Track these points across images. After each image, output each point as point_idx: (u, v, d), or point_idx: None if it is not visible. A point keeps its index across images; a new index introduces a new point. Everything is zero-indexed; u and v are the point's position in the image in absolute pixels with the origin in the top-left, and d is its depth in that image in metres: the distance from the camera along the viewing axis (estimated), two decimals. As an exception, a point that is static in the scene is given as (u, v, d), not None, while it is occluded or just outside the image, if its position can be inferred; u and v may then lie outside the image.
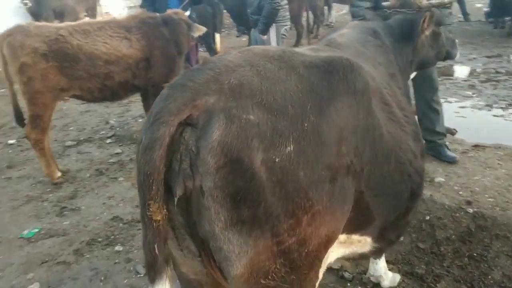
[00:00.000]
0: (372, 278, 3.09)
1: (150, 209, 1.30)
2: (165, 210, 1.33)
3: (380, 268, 3.03)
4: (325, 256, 1.57)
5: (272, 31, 5.68)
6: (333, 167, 1.46)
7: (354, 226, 1.77)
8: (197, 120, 1.30)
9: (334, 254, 1.80)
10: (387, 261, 3.35)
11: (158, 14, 5.57)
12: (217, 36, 8.30)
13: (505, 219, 3.49)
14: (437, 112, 4.56)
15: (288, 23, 5.98)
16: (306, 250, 1.43)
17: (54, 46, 4.56)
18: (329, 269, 3.28)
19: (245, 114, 1.31)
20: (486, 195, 3.86)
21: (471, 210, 3.62)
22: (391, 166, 1.83)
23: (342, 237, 1.75)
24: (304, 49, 1.92)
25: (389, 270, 3.17)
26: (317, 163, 1.40)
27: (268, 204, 1.32)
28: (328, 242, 1.53)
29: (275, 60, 1.55)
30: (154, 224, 1.32)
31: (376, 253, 2.21)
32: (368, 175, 1.69)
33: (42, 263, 3.45)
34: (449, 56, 3.34)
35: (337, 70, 1.60)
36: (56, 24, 5.04)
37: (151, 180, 1.27)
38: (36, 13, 11.16)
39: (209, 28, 6.74)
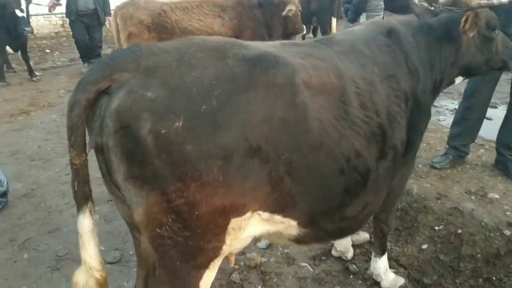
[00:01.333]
0: (372, 276, 3.13)
1: (71, 155, 1.69)
2: (83, 157, 1.71)
3: (379, 267, 3.05)
4: (230, 225, 1.77)
5: (363, 20, 5.62)
6: (228, 147, 1.62)
7: (276, 207, 1.91)
8: (111, 90, 1.62)
9: (257, 228, 1.97)
10: (399, 263, 3.34)
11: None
12: (334, 21, 8.32)
13: (543, 250, 3.15)
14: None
15: (381, 13, 5.82)
16: (197, 213, 1.66)
17: (156, 20, 5.26)
18: (338, 259, 3.39)
19: (143, 90, 1.55)
20: (537, 221, 3.49)
21: (508, 233, 3.31)
22: (319, 160, 1.91)
23: (265, 215, 1.91)
24: (259, 44, 2.08)
25: (397, 273, 3.17)
26: (207, 141, 1.58)
27: (156, 166, 1.55)
28: (225, 212, 1.72)
29: (209, 50, 1.74)
30: (74, 166, 1.70)
31: (312, 240, 2.30)
32: (288, 163, 1.81)
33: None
34: (505, 66, 3.03)
35: (260, 65, 1.75)
36: (159, 0, 5.73)
37: (70, 133, 1.65)
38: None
39: (327, 13, 6.83)
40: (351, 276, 3.23)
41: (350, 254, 3.39)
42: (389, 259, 3.35)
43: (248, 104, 1.68)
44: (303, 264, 3.37)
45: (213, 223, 1.72)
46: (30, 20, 9.39)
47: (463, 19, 2.71)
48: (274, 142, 1.75)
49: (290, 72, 1.83)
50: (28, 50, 9.49)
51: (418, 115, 2.56)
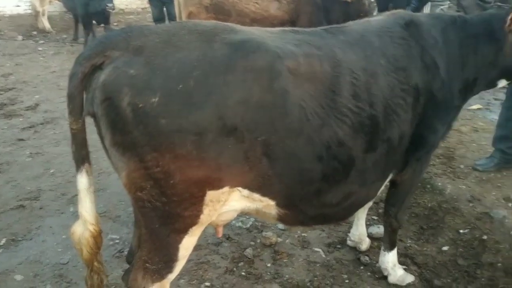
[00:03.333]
0: (381, 269, 3.12)
1: (69, 120, 1.92)
2: (80, 123, 1.92)
3: (387, 261, 3.03)
4: (207, 196, 1.90)
5: (426, 11, 5.35)
6: (201, 124, 1.75)
7: (255, 186, 2.01)
8: (104, 66, 1.76)
9: (239, 204, 2.08)
10: (414, 262, 3.28)
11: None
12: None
13: None
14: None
15: (447, 3, 5.50)
16: (172, 182, 1.82)
17: (215, 1, 5.44)
18: (353, 249, 3.40)
19: (126, 67, 1.71)
20: None
21: None
22: (298, 145, 1.97)
23: (245, 192, 2.03)
24: (253, 30, 2.12)
25: (409, 270, 3.12)
26: (181, 117, 1.72)
27: (134, 135, 1.73)
28: (199, 183, 1.86)
29: (197, 33, 1.87)
30: (72, 131, 1.95)
31: (295, 222, 2.35)
32: (265, 145, 1.91)
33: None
34: None
35: (242, 49, 1.85)
36: None
37: (69, 101, 1.88)
38: None
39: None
40: (361, 267, 3.25)
41: (364, 245, 3.39)
42: (405, 256, 3.33)
43: (225, 86, 1.79)
44: (317, 249, 3.43)
45: (188, 192, 1.87)
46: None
47: (510, 17, 2.57)
48: (250, 124, 1.85)
49: (271, 58, 1.90)
50: (115, 23, 10.24)
51: (433, 112, 2.50)
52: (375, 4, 6.48)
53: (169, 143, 1.76)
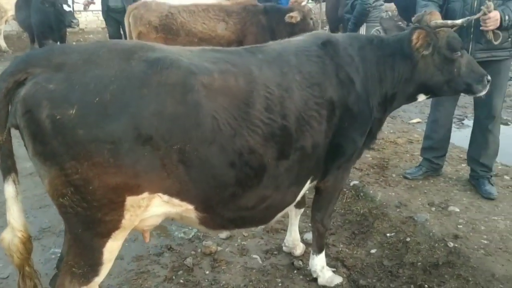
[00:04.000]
0: (311, 271, 3.31)
1: None
2: (5, 135, 2.04)
3: (316, 264, 3.23)
4: (127, 202, 2.05)
5: (363, 31, 5.72)
6: (116, 134, 1.90)
7: (173, 191, 2.18)
8: (26, 82, 1.94)
9: (160, 209, 2.23)
10: (344, 264, 3.49)
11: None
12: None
13: (477, 263, 3.17)
14: (486, 142, 4.15)
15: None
16: (91, 188, 1.96)
17: (164, 21, 5.66)
18: (288, 254, 3.59)
19: (46, 82, 1.86)
20: (485, 236, 3.47)
21: (451, 245, 3.34)
22: (211, 152, 2.16)
23: (165, 197, 2.18)
24: (171, 48, 2.33)
25: (337, 272, 3.33)
26: (97, 128, 1.88)
27: (54, 145, 1.87)
28: (118, 189, 2.00)
29: (117, 52, 2.05)
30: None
31: (215, 225, 2.53)
32: (181, 153, 2.08)
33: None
34: (469, 89, 3.05)
35: (156, 66, 2.03)
36: (170, 3, 6.11)
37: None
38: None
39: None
40: (295, 271, 3.44)
41: (299, 251, 3.59)
42: (336, 259, 3.55)
43: (139, 99, 1.98)
44: (255, 256, 3.61)
45: (107, 198, 2.03)
46: (80, 15, 10.22)
47: (414, 36, 2.85)
48: (165, 133, 2.03)
49: (183, 74, 2.10)
50: (74, 42, 10.25)
51: (350, 123, 2.75)
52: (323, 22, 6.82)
53: (86, 152, 1.91)
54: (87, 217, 2.06)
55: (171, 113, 2.05)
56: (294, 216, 3.51)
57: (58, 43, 9.83)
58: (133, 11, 5.78)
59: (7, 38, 12.39)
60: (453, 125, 7.02)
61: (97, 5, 9.67)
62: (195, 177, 2.18)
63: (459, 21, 3.07)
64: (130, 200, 2.09)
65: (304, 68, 2.60)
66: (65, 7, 8.90)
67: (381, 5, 5.84)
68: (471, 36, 3.84)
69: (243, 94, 2.30)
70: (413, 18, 3.27)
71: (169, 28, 5.64)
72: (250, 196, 2.41)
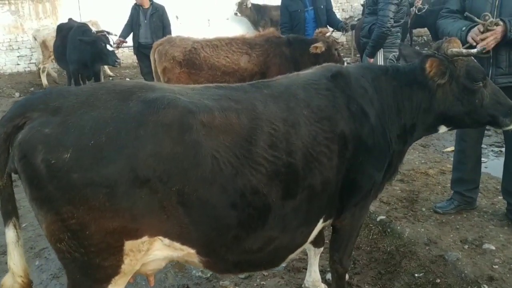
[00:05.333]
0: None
1: None
2: (5, 179, 2.03)
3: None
4: (126, 246, 1.99)
5: (380, 56, 5.59)
6: (112, 177, 1.86)
7: (174, 234, 2.10)
8: (25, 126, 1.91)
9: (162, 253, 2.16)
10: None
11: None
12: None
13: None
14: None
15: (397, 50, 5.74)
16: (87, 232, 1.91)
17: (187, 56, 5.73)
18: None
19: (41, 127, 1.85)
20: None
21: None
22: (211, 193, 2.07)
23: (166, 241, 2.11)
24: (172, 88, 2.28)
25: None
26: (92, 171, 1.84)
27: (49, 190, 1.85)
28: (116, 234, 1.95)
29: (115, 93, 2.03)
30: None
31: (221, 269, 2.40)
32: (180, 195, 2.00)
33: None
34: (495, 122, 2.85)
35: (153, 106, 1.99)
36: (194, 38, 6.19)
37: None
38: (254, 21, 13.00)
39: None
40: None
41: (319, 291, 3.40)
42: (362, 301, 3.33)
43: (136, 140, 1.93)
44: (274, 296, 3.44)
45: (105, 243, 1.97)
46: (117, 51, 10.70)
47: (427, 65, 2.72)
48: (163, 175, 1.97)
49: (180, 113, 2.05)
50: (111, 77, 10.62)
51: (365, 158, 2.61)
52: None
53: (82, 196, 1.88)
54: (85, 262, 2.00)
55: (169, 154, 1.99)
56: (313, 256, 3.35)
57: (93, 80, 10.24)
58: (158, 47, 5.90)
59: (50, 75, 12.91)
60: (491, 153, 6.78)
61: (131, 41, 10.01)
62: (195, 219, 2.10)
63: (474, 51, 2.90)
64: (129, 244, 2.03)
65: (312, 102, 2.51)
66: (108, 47, 9.29)
67: (397, 32, 5.69)
68: (491, 60, 3.62)
69: (246, 131, 2.22)
70: (433, 45, 3.13)
71: (193, 63, 5.71)
72: (255, 238, 2.29)
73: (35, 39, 12.51)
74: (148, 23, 8.83)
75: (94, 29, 11.82)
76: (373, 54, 5.62)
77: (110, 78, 13.26)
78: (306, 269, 3.63)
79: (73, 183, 1.86)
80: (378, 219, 4.26)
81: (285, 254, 2.55)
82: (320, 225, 2.63)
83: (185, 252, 2.20)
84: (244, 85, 2.54)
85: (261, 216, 2.25)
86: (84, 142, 1.88)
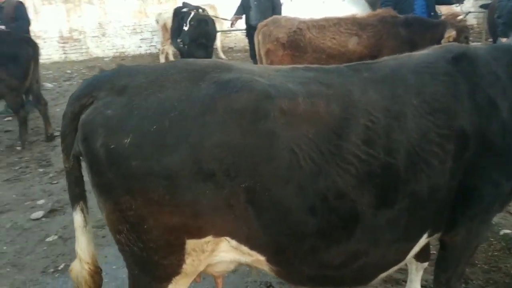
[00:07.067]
0: None
1: (63, 159, 1.93)
2: (72, 161, 1.92)
3: None
4: (188, 245, 1.77)
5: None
6: (173, 168, 1.64)
7: (242, 237, 1.82)
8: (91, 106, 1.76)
9: (229, 255, 1.90)
10: None
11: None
12: None
13: None
14: None
15: None
16: (145, 227, 1.71)
17: (291, 38, 5.40)
18: None
19: (104, 108, 1.69)
20: None
21: None
22: (287, 193, 1.75)
23: (233, 242, 1.85)
24: (252, 68, 2.00)
25: None
26: (152, 160, 1.64)
27: (108, 177, 1.69)
28: (175, 231, 1.74)
29: (188, 72, 1.80)
30: (65, 169, 1.96)
31: (295, 281, 2.04)
32: (250, 192, 1.73)
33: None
34: None
35: (225, 89, 1.73)
36: (300, 18, 5.78)
37: (61, 140, 1.91)
38: (372, 2, 12.31)
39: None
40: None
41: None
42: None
43: (202, 127, 1.67)
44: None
45: (163, 239, 1.77)
46: (230, 35, 10.81)
47: None
48: (231, 169, 1.70)
49: (255, 98, 1.74)
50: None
51: (490, 161, 2.09)
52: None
53: (140, 187, 1.68)
54: (144, 258, 1.82)
55: (238, 145, 1.70)
56: (414, 271, 2.86)
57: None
58: (263, 28, 5.67)
59: (167, 58, 13.52)
60: None
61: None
62: (266, 222, 1.79)
63: None
64: (191, 243, 1.80)
65: (425, 89, 2.04)
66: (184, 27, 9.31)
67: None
68: None
69: (336, 122, 1.84)
70: None
71: (297, 45, 5.37)
72: (337, 251, 1.92)
73: (157, 23, 13.17)
74: (258, 5, 8.68)
75: (212, 12, 12.11)
76: (506, 33, 4.73)
77: (222, 61, 13.46)
78: (405, 282, 3.15)
79: (132, 172, 1.67)
80: (501, 232, 3.57)
81: (375, 273, 2.12)
82: (423, 240, 2.16)
83: (254, 258, 1.92)
84: (340, 67, 2.14)
85: (346, 226, 1.87)
86: (145, 126, 1.67)
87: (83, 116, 1.76)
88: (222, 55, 13.90)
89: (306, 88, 1.88)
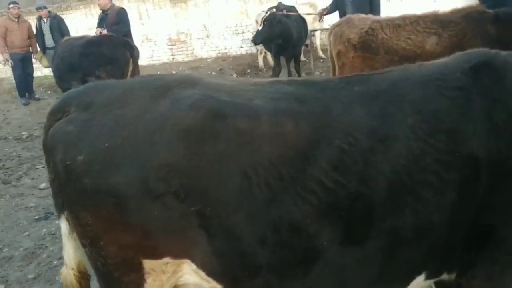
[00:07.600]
0: None
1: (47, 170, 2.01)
2: (54, 172, 1.95)
3: None
4: (145, 264, 1.73)
5: None
6: (121, 187, 1.62)
7: (199, 262, 1.73)
8: None
9: (192, 278, 1.79)
10: None
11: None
12: None
13: None
14: None
15: None
16: (102, 243, 1.70)
17: (363, 38, 5.06)
18: None
19: (66, 124, 1.73)
20: None
21: None
22: (237, 221, 1.62)
23: (193, 266, 1.75)
24: (218, 81, 1.88)
25: None
26: (100, 178, 1.63)
27: (68, 192, 1.73)
28: (130, 249, 1.70)
29: (153, 88, 1.77)
30: (49, 179, 2.00)
31: None
32: (201, 217, 1.63)
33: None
34: None
35: (176, 106, 1.67)
36: (375, 17, 5.33)
37: (43, 150, 1.93)
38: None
39: None
40: None
41: None
42: None
43: (150, 146, 1.62)
44: None
45: (120, 257, 1.76)
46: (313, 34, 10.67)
47: None
48: (179, 191, 1.63)
49: (203, 116, 1.63)
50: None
51: (510, 195, 1.72)
52: None
53: (93, 204, 1.70)
54: (106, 273, 1.84)
55: (184, 166, 1.61)
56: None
57: (293, 62, 10.28)
58: (335, 29, 5.39)
59: (266, 57, 13.62)
60: None
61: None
62: (219, 250, 1.68)
63: None
64: (147, 263, 1.76)
65: (427, 107, 1.74)
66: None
67: None
68: None
69: (303, 144, 1.66)
70: None
71: (368, 46, 5.00)
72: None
73: (257, 23, 13.33)
74: (353, 1, 8.27)
75: (312, 10, 11.94)
76: None
77: (321, 60, 13.19)
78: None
79: (85, 189, 1.68)
80: None
81: None
82: (418, 283, 1.84)
83: (211, 285, 1.81)
84: (331, 79, 1.96)
85: (302, 263, 1.67)
86: (98, 144, 1.67)
87: (50, 131, 1.82)
88: (321, 54, 13.58)
89: (274, 105, 1.71)
